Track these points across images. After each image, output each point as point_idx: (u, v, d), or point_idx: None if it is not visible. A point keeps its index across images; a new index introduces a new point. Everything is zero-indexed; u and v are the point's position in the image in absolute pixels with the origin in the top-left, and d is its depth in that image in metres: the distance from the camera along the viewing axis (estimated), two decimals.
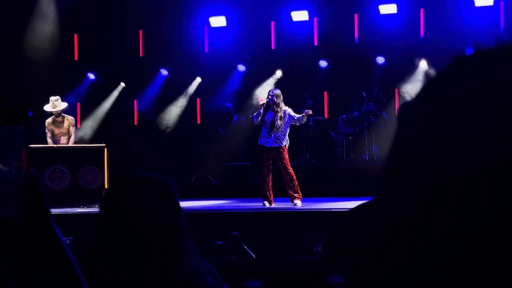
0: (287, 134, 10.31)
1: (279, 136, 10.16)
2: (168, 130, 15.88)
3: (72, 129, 12.07)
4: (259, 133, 10.38)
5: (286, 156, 10.23)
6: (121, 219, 1.77)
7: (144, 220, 1.76)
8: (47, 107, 11.93)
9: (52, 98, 11.98)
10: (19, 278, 1.02)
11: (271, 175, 10.34)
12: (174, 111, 16.05)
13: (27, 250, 0.97)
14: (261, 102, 10.51)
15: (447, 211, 0.60)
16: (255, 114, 10.44)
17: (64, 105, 12.10)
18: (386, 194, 0.66)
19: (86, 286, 1.04)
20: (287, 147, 10.28)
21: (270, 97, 10.22)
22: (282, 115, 10.18)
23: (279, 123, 10.13)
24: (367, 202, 0.94)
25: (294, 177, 10.23)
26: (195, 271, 1.78)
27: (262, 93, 15.43)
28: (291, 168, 10.27)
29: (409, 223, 0.62)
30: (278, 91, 10.33)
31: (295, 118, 10.18)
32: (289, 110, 10.30)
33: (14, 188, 0.94)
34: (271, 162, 10.34)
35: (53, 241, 1.01)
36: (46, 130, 11.87)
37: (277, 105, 10.18)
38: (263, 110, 10.26)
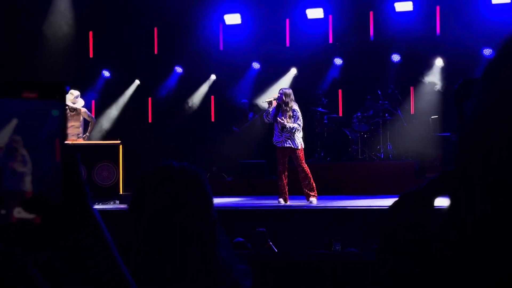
0: (300, 134, 10.20)
1: (289, 136, 10.07)
2: (183, 124, 15.86)
3: (87, 116, 11.95)
4: (273, 131, 10.33)
5: (300, 154, 10.09)
6: (152, 209, 1.77)
7: (175, 210, 1.76)
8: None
9: (73, 92, 11.84)
10: (45, 271, 1.00)
11: (286, 172, 10.27)
12: (188, 108, 16.06)
13: (64, 228, 0.93)
14: (267, 100, 10.47)
15: None
16: (264, 113, 10.42)
17: (82, 103, 12.04)
18: (466, 168, 0.65)
19: (127, 273, 1.01)
20: (301, 148, 10.10)
21: (279, 95, 10.19)
22: (292, 115, 10.10)
23: (288, 122, 10.05)
24: (430, 181, 0.89)
25: (310, 175, 10.12)
26: (227, 261, 1.78)
27: (276, 91, 15.40)
28: (306, 166, 10.17)
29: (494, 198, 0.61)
30: (288, 90, 10.28)
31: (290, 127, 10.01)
32: (299, 114, 10.11)
33: (51, 165, 0.90)
34: (287, 159, 10.27)
35: (92, 220, 0.97)
36: None
37: (286, 104, 10.09)
38: (276, 109, 10.20)
